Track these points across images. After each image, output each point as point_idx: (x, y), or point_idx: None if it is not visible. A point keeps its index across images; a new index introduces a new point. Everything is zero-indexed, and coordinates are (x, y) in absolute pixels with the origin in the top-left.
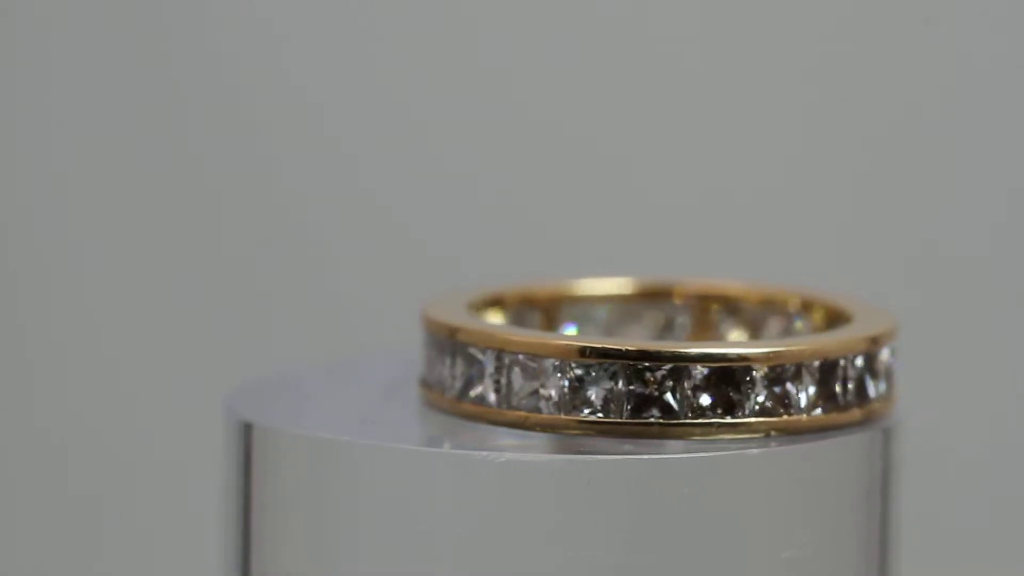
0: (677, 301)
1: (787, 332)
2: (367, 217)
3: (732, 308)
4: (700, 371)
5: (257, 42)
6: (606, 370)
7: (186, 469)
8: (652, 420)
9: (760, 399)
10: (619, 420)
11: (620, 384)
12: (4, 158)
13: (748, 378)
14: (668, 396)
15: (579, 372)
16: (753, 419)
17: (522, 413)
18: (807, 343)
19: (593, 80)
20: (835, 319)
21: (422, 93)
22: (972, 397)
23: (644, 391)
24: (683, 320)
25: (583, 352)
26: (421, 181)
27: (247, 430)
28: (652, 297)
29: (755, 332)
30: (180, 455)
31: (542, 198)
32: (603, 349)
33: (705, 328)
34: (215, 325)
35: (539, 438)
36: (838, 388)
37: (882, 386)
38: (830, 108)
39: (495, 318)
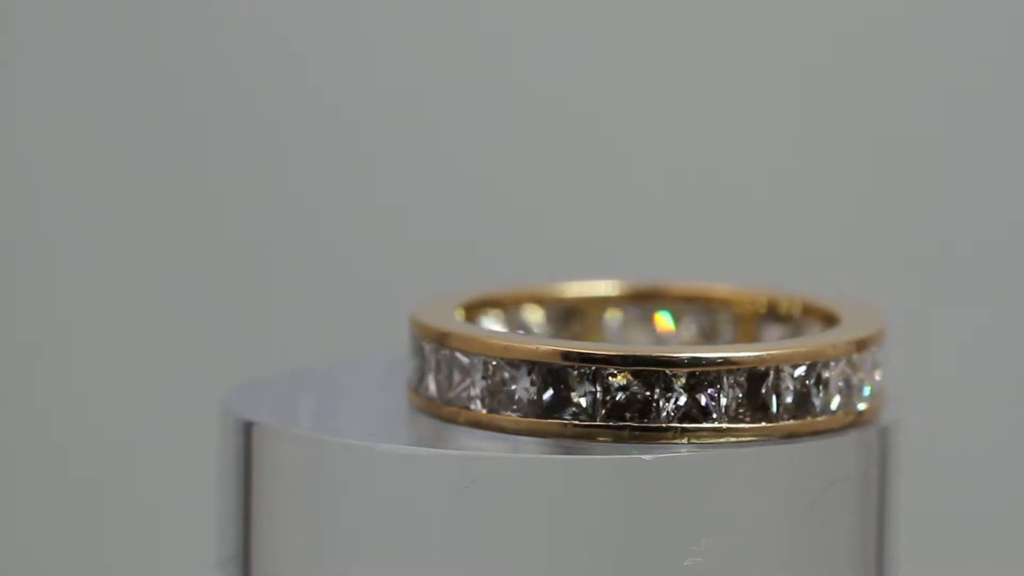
0: (671, 302)
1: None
2: (365, 218)
3: (731, 312)
4: (680, 377)
5: (256, 43)
6: (585, 374)
7: (184, 468)
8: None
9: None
10: (599, 424)
11: (599, 388)
12: (3, 157)
13: (733, 381)
14: (662, 400)
15: (558, 375)
16: (731, 424)
17: (507, 416)
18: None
19: (590, 80)
20: (826, 322)
21: (422, 92)
22: (969, 397)
23: (644, 394)
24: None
25: (566, 356)
26: (419, 182)
27: (245, 429)
28: (644, 299)
29: (749, 336)
30: (179, 454)
31: (543, 197)
32: (585, 354)
33: (704, 331)
34: (214, 325)
35: (527, 441)
36: (818, 392)
37: (867, 390)
38: (825, 108)
39: (484, 320)
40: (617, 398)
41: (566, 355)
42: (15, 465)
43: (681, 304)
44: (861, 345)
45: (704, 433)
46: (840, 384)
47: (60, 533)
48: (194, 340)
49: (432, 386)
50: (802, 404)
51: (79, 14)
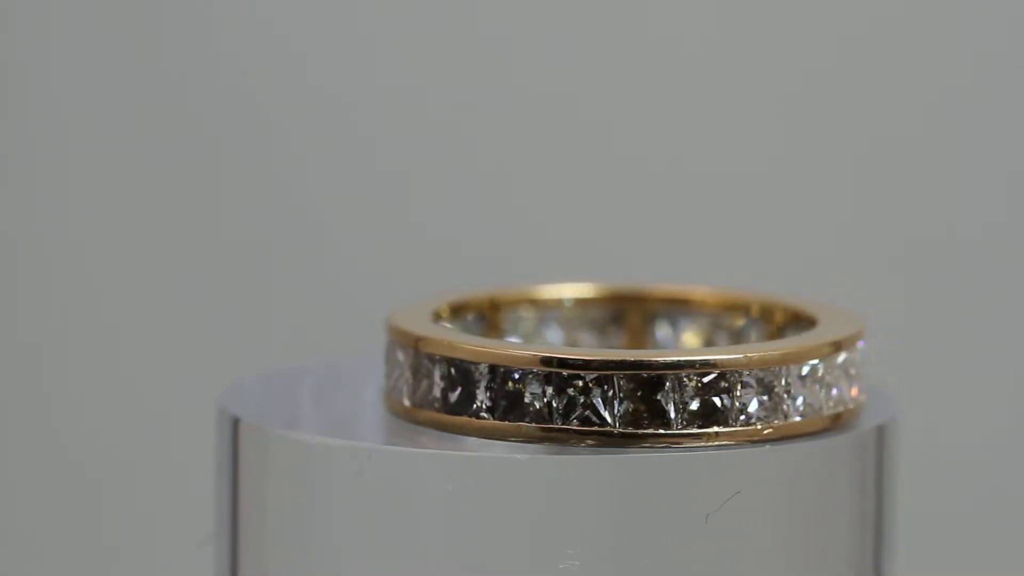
0: (649, 306)
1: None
2: (365, 218)
3: (696, 313)
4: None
5: (256, 43)
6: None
7: (179, 468)
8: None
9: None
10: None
11: (569, 391)
12: (2, 157)
13: (689, 383)
14: (666, 404)
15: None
16: (740, 427)
17: (471, 420)
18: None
19: (580, 82)
20: (801, 323)
21: (422, 92)
22: (965, 398)
23: (632, 399)
24: (664, 326)
25: (547, 362)
26: (416, 182)
27: (237, 429)
28: (623, 302)
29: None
30: (176, 452)
31: (541, 198)
32: (566, 360)
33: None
34: (213, 324)
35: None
36: (794, 394)
37: (847, 390)
38: (814, 109)
39: (462, 323)
40: (587, 403)
41: (546, 360)
42: (9, 462)
43: (661, 307)
44: (837, 347)
45: (671, 439)
46: (817, 386)
47: (53, 530)
48: (193, 339)
49: (403, 389)
50: (775, 407)
51: (79, 14)
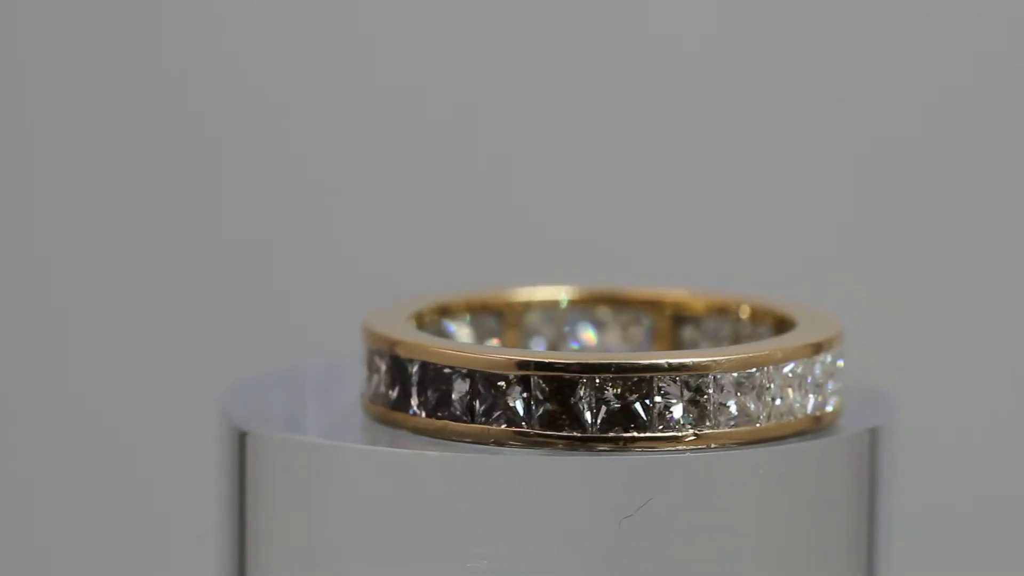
0: (632, 309)
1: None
2: (366, 217)
3: (683, 316)
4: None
5: (255, 43)
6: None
7: (179, 469)
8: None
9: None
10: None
11: (542, 394)
12: (1, 156)
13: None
14: (637, 406)
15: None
16: (714, 431)
17: (448, 423)
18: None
19: (572, 84)
20: (781, 326)
21: (419, 92)
22: (960, 397)
23: (614, 402)
24: (633, 328)
25: (523, 365)
26: (415, 182)
27: (238, 432)
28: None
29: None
30: (173, 454)
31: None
32: (543, 363)
33: (658, 336)
34: (213, 323)
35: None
36: (771, 397)
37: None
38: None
39: (442, 326)
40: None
41: (522, 364)
42: (12, 464)
43: (638, 309)
44: (816, 349)
45: (655, 441)
46: (794, 388)
47: (54, 535)
48: (193, 339)
49: (380, 391)
50: (701, 415)
51: (78, 13)
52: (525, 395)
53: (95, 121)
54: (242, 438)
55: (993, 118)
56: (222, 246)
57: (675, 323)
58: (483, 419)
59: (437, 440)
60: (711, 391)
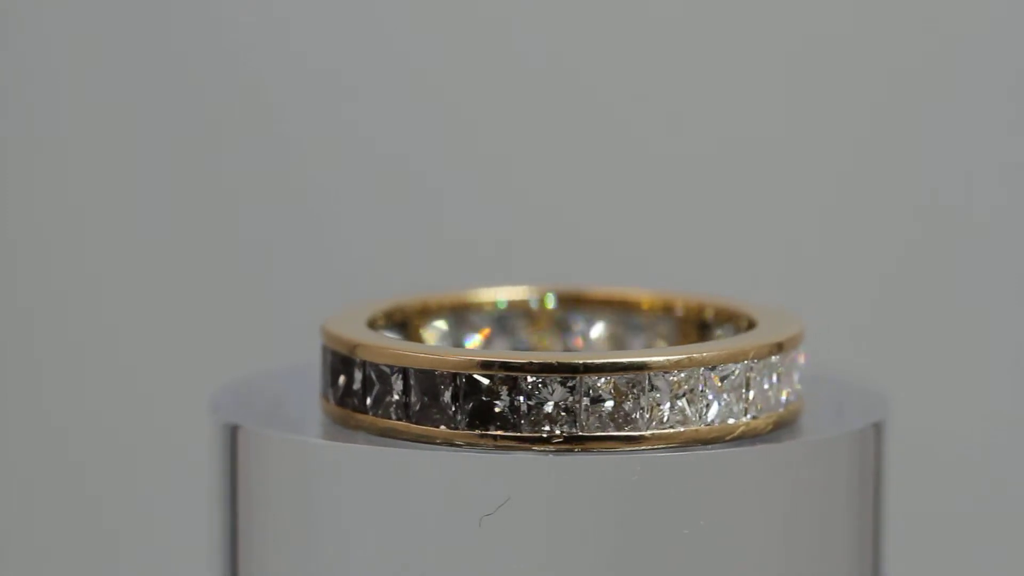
0: (587, 309)
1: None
2: (364, 217)
3: (636, 317)
4: (602, 382)
5: (254, 42)
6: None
7: (172, 468)
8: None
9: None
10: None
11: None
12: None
13: (652, 387)
14: (575, 406)
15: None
16: (655, 431)
17: (398, 423)
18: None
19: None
20: (743, 326)
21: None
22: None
23: (567, 403)
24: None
25: (486, 365)
26: (414, 182)
27: (231, 430)
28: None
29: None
30: (166, 453)
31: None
32: (505, 363)
33: (610, 336)
34: (207, 324)
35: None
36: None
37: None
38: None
39: (398, 331)
40: (535, 405)
41: (463, 363)
42: (10, 464)
43: (599, 309)
44: (778, 348)
45: (589, 441)
46: (756, 388)
47: (48, 535)
48: (188, 339)
49: (331, 390)
50: (715, 409)
51: (77, 12)
52: (463, 395)
53: (93, 120)
54: (234, 432)
55: (993, 118)
56: (221, 246)
57: (629, 326)
58: (420, 419)
59: (386, 439)
60: (647, 391)
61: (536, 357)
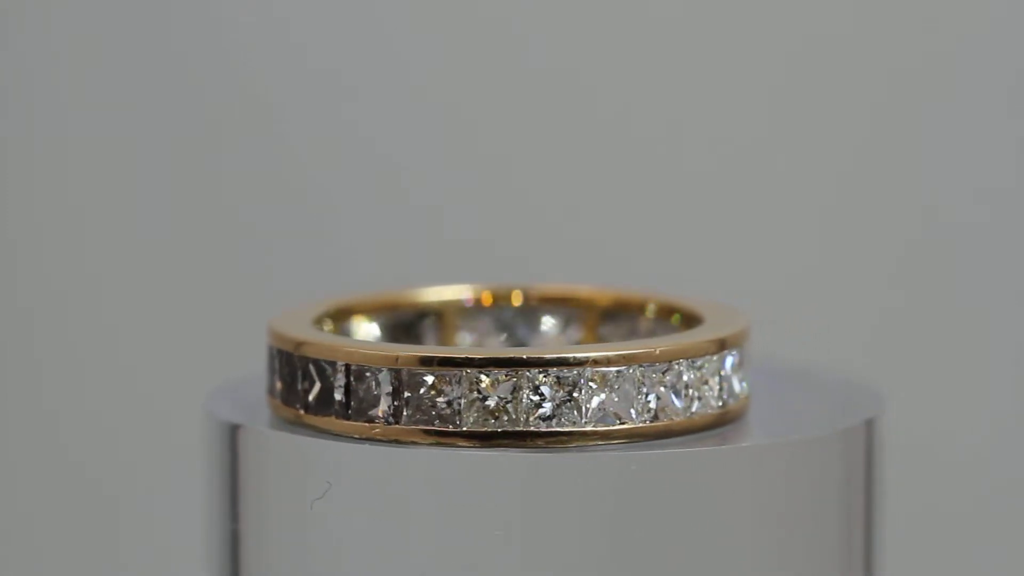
0: (516, 305)
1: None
2: (365, 216)
3: (581, 312)
4: (542, 378)
5: (251, 46)
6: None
7: (170, 465)
8: (498, 430)
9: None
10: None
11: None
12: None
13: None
14: (511, 401)
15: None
16: (594, 428)
17: (366, 424)
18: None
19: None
20: (690, 322)
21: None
22: (956, 397)
23: (508, 397)
24: (521, 325)
25: (426, 361)
26: (414, 181)
27: (230, 430)
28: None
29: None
30: (163, 454)
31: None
32: (448, 358)
33: (559, 333)
34: (204, 324)
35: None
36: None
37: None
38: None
39: (351, 326)
40: (481, 401)
41: (399, 359)
42: (7, 464)
43: (543, 305)
44: (721, 344)
45: (566, 437)
46: (702, 385)
47: (47, 534)
48: (184, 338)
49: (275, 387)
50: (666, 405)
51: (80, 13)
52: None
53: (92, 120)
54: (233, 432)
55: (993, 118)
56: (221, 246)
57: (574, 321)
58: (358, 415)
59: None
60: (583, 387)
61: (477, 352)
